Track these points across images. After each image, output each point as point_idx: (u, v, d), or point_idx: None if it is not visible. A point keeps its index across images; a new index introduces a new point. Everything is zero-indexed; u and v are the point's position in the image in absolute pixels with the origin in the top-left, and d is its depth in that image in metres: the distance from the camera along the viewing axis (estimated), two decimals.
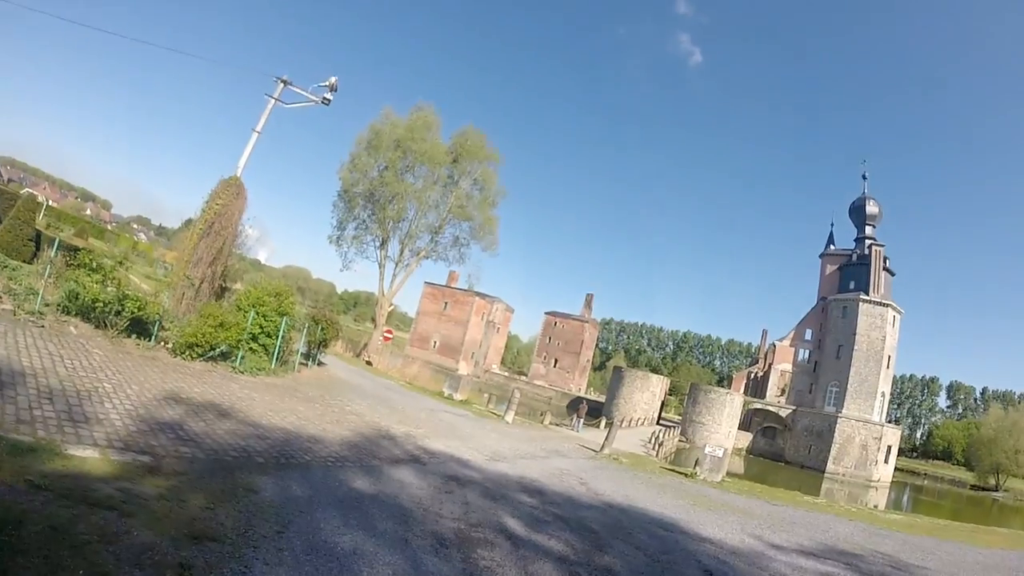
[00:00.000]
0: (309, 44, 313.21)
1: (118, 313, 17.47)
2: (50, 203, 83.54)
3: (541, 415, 39.63)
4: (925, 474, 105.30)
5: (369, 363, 42.37)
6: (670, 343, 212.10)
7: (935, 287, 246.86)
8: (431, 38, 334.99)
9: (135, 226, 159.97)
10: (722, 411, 75.51)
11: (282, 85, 24.96)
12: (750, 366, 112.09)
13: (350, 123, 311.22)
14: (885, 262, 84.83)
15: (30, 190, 72.65)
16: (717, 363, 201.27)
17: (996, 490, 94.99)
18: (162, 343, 18.58)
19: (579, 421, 38.23)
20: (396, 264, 50.18)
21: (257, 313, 21.54)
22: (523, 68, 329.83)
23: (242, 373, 18.87)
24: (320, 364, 28.01)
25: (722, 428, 75.08)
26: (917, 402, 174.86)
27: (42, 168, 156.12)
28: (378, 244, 49.85)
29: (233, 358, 19.44)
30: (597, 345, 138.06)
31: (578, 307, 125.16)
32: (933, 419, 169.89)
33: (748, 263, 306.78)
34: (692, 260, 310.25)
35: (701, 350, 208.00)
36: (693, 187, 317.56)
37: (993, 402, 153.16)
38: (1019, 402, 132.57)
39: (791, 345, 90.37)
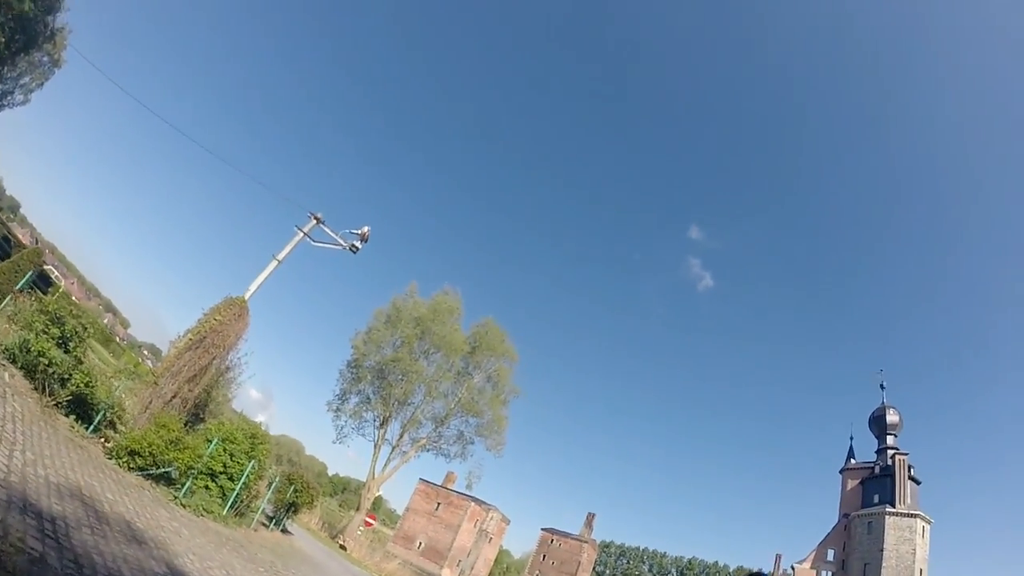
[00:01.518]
0: (344, 193, 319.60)
1: (63, 381, 14.71)
2: (73, 298, 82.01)
3: None
4: None
5: (343, 547, 38.04)
6: (673, 570, 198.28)
7: (960, 494, 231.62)
8: (466, 229, 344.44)
9: (145, 352, 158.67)
10: None
11: (314, 222, 23.74)
12: None
13: (369, 285, 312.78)
14: (910, 471, 79.94)
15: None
16: None
17: None
18: (102, 439, 15.79)
19: None
20: (393, 449, 47.86)
21: (224, 449, 18.43)
22: (534, 285, 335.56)
23: (183, 506, 15.90)
24: (284, 531, 24.29)
25: None
26: None
27: (77, 266, 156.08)
28: (378, 423, 47.65)
29: (178, 486, 16.14)
30: (594, 569, 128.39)
31: (577, 526, 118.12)
32: None
33: (761, 484, 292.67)
34: (702, 481, 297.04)
35: None
36: (702, 404, 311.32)
37: None
38: None
39: (812, 567, 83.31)
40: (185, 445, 16.31)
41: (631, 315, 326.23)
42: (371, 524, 45.07)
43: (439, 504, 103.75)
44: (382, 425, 46.76)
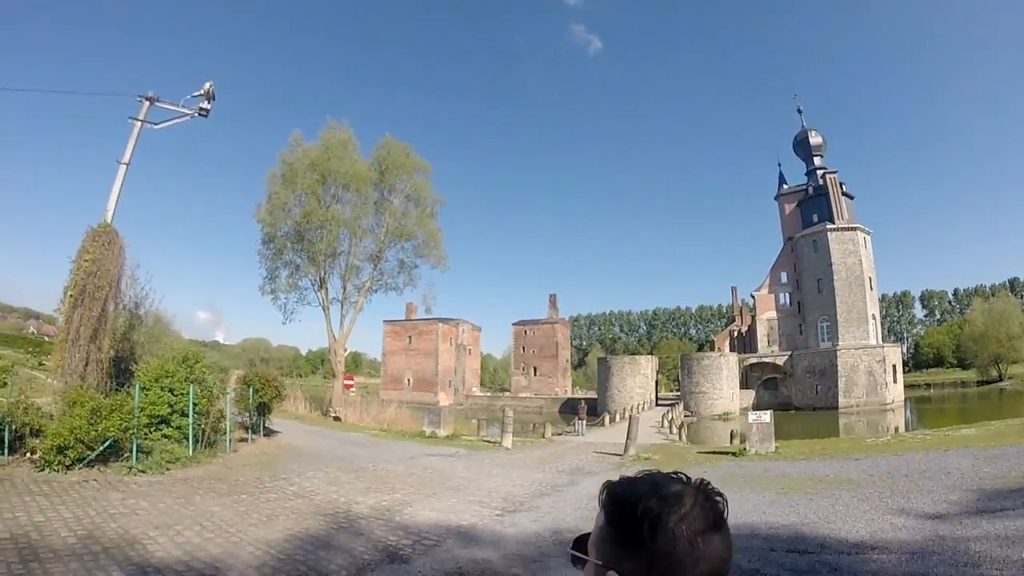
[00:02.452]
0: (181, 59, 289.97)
1: None
2: None
3: (536, 428, 35.25)
4: (928, 384, 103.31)
5: (337, 418, 37.04)
6: (642, 324, 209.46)
7: (888, 201, 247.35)
8: (330, 55, 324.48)
9: None
10: (720, 375, 72.61)
11: (148, 104, 19.84)
12: (728, 325, 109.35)
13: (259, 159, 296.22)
14: (842, 187, 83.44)
15: None
16: (693, 332, 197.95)
17: (1001, 380, 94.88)
18: (28, 452, 13.54)
19: (582, 423, 34.24)
20: (343, 304, 44.63)
21: (162, 388, 16.44)
22: (431, 82, 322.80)
23: (141, 472, 13.70)
24: (269, 434, 22.86)
25: (724, 392, 72.43)
26: (895, 319, 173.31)
27: None
28: (317, 286, 44.32)
29: (127, 455, 14.28)
30: (572, 344, 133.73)
31: (543, 311, 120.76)
32: (914, 331, 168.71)
33: (702, 227, 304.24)
34: (645, 237, 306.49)
35: (674, 323, 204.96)
36: (628, 165, 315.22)
37: (969, 299, 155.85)
38: (992, 295, 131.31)
39: (769, 292, 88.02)
40: (106, 409, 14.23)
41: (529, 103, 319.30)
42: (351, 385, 43.88)
43: (410, 337, 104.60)
44: (321, 286, 43.95)
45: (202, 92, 20.15)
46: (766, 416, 21.70)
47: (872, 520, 9.80)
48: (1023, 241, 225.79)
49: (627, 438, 22.41)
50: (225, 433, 18.53)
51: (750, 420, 21.57)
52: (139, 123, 19.68)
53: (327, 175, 42.93)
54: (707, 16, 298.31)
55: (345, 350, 45.21)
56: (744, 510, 11.05)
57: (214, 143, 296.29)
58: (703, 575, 1.07)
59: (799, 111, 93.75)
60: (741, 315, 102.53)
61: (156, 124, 20.24)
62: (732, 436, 27.81)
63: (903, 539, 8.57)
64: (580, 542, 1.27)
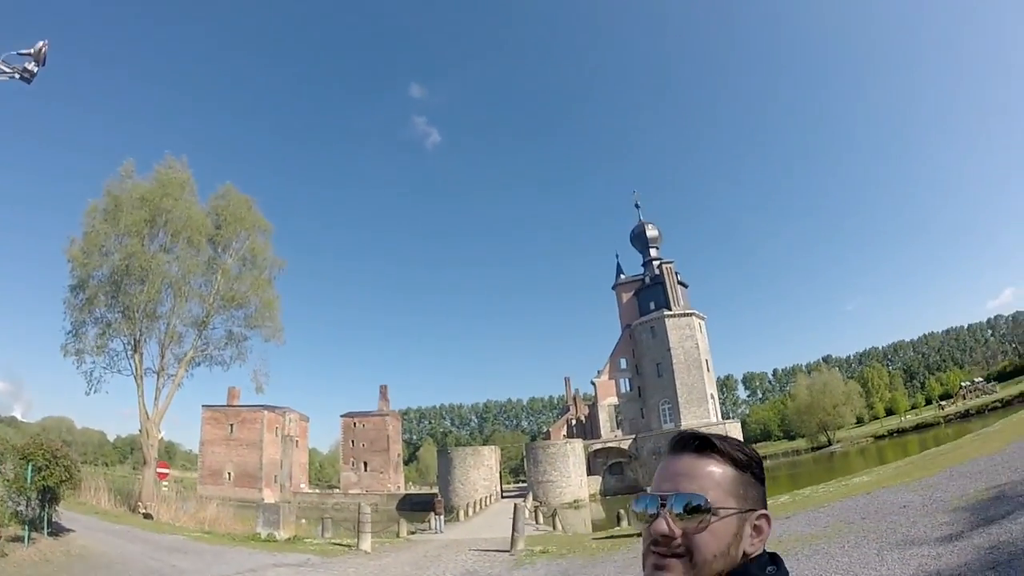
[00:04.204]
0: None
1: None
2: None
3: (385, 528, 31.04)
4: (765, 456, 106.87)
5: (148, 515, 30.38)
6: (473, 417, 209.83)
7: (712, 288, 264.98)
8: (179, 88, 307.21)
9: None
10: (567, 461, 70.79)
11: None
12: (562, 415, 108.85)
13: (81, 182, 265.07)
14: (677, 276, 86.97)
15: None
16: (524, 423, 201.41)
17: (830, 444, 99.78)
18: None
19: (439, 519, 31.53)
20: (159, 376, 37.48)
21: None
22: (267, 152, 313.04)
23: None
24: (56, 533, 17.18)
25: (573, 479, 70.62)
26: (721, 400, 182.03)
27: None
28: (130, 350, 37.06)
29: None
30: (402, 438, 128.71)
31: (373, 404, 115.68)
32: (739, 410, 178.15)
33: (533, 319, 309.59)
34: (476, 330, 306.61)
35: (505, 416, 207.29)
36: (460, 257, 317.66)
37: (787, 378, 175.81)
38: (808, 372, 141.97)
39: (610, 378, 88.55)
40: None
41: (369, 185, 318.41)
42: (165, 475, 36.01)
43: (232, 426, 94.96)
44: (135, 351, 36.66)
45: (31, 51, 15.14)
46: None
47: (903, 558, 8.73)
48: (832, 323, 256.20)
49: (513, 531, 18.92)
50: None
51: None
52: None
53: (158, 215, 36.70)
54: (546, 111, 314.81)
55: (160, 433, 38.05)
56: None
57: (32, 139, 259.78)
58: None
59: (636, 205, 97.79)
60: (576, 404, 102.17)
61: None
62: (619, 518, 25.68)
63: (958, 562, 7.94)
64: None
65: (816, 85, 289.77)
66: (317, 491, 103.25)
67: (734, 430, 78.10)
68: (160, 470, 33.67)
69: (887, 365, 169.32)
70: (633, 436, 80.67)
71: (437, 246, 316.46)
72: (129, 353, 37.13)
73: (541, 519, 36.64)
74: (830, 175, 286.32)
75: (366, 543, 19.46)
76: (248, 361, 41.23)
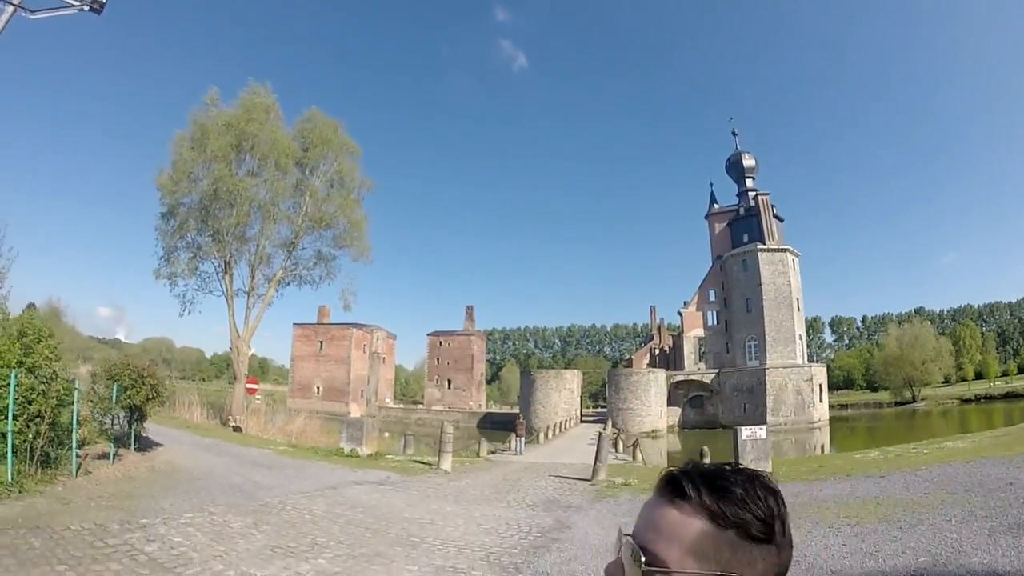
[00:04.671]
0: None
1: None
2: None
3: (467, 446, 31.24)
4: (844, 405, 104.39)
5: (237, 428, 31.46)
6: (557, 340, 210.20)
7: (806, 227, 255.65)
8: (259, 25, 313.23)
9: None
10: (648, 391, 69.94)
11: None
12: (643, 344, 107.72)
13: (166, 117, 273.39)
14: (773, 209, 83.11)
15: None
16: (607, 350, 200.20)
17: (914, 401, 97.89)
18: None
19: (520, 441, 30.70)
20: (249, 295, 38.50)
21: None
22: (360, 88, 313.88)
23: None
24: (145, 448, 17.66)
25: (653, 409, 69.86)
26: (807, 342, 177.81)
27: None
28: (221, 272, 38.10)
29: None
30: (486, 358, 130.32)
31: (459, 323, 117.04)
32: (823, 355, 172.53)
33: (620, 247, 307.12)
34: (563, 254, 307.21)
35: (588, 341, 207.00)
36: (552, 182, 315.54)
37: (876, 326, 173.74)
38: (899, 323, 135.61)
39: (697, 309, 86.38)
40: None
41: (453, 114, 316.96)
42: (255, 390, 37.27)
43: (322, 343, 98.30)
44: (226, 272, 38.08)
45: None
46: (761, 432, 18.40)
47: (1019, 545, 7.66)
48: (927, 275, 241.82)
49: (596, 460, 18.54)
50: (71, 447, 13.35)
51: (744, 437, 18.14)
52: (10, 8, 14.15)
53: (244, 140, 36.95)
54: (641, 35, 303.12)
55: (250, 350, 39.16)
56: (835, 552, 8.16)
57: (112, 71, 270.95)
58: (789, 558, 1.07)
59: (733, 133, 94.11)
60: (660, 334, 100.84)
61: (32, 12, 14.58)
62: (702, 454, 24.45)
63: None
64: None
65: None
66: (401, 406, 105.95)
67: (820, 374, 76.42)
68: (249, 386, 34.85)
69: (981, 325, 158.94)
70: (716, 371, 79.40)
71: (524, 171, 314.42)
72: (220, 275, 38.29)
73: (621, 448, 36.37)
74: (937, 118, 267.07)
75: (447, 463, 19.40)
76: (336, 280, 42.04)
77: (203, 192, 36.59)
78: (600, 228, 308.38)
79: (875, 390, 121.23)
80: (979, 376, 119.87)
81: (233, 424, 32.60)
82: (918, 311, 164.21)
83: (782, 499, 1.09)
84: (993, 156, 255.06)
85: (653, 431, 65.96)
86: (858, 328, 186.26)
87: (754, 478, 1.10)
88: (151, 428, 20.11)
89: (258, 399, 40.03)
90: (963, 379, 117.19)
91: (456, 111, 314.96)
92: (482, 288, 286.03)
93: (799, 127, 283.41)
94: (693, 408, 79.09)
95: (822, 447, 55.50)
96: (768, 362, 74.66)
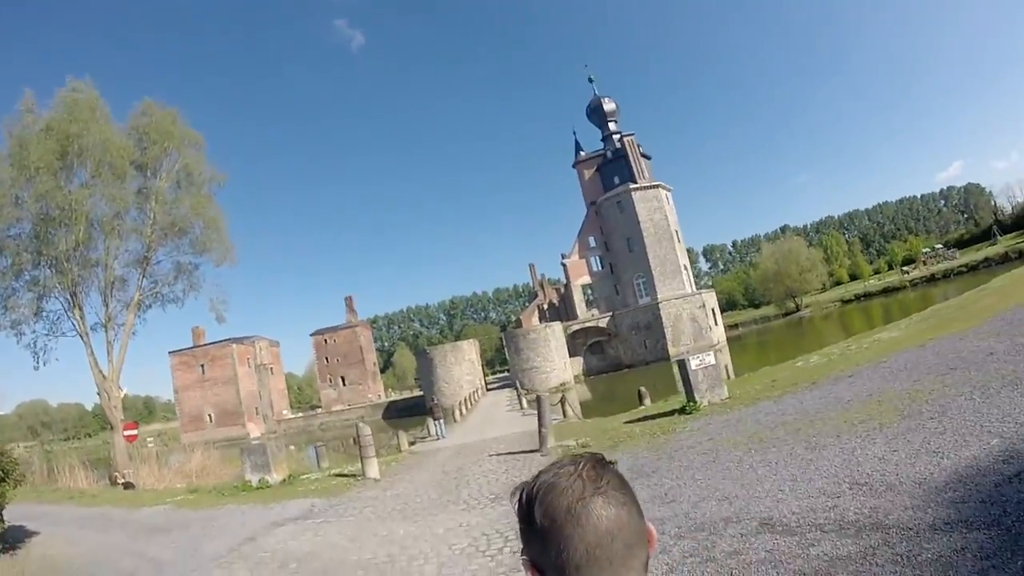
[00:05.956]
0: None
1: None
2: None
3: (380, 443, 28.96)
4: (735, 325, 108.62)
5: (128, 485, 27.65)
6: (441, 315, 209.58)
7: (673, 165, 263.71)
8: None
9: None
10: (548, 346, 70.07)
11: None
12: (529, 303, 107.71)
13: None
14: (639, 148, 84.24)
15: None
16: (493, 315, 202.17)
17: (798, 310, 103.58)
18: None
19: (440, 424, 28.98)
20: (107, 328, 33.26)
21: None
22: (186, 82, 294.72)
23: None
24: (12, 544, 14.38)
25: (556, 363, 70.17)
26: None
27: None
28: (69, 306, 33.07)
29: None
30: (375, 347, 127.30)
31: (340, 318, 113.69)
32: (701, 282, 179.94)
33: (491, 211, 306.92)
34: (435, 230, 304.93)
35: (472, 310, 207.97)
36: (405, 154, 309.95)
37: (746, 249, 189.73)
38: (767, 241, 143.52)
39: (580, 258, 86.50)
40: None
41: (306, 104, 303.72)
42: (134, 436, 32.22)
43: (203, 366, 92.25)
44: (74, 306, 32.85)
45: None
46: (710, 357, 16.97)
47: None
48: (785, 196, 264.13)
49: (540, 426, 16.67)
50: None
51: (693, 366, 16.47)
52: None
53: (68, 144, 31.83)
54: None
55: (121, 391, 34.64)
56: (891, 461, 7.16)
57: None
58: (589, 540, 1.07)
59: (590, 80, 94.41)
60: (544, 289, 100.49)
61: None
62: (640, 396, 24.02)
63: None
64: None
65: None
66: (301, 415, 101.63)
67: (710, 299, 79.30)
68: (127, 432, 30.32)
69: (843, 233, 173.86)
70: (610, 313, 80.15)
71: (382, 150, 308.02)
72: (69, 310, 33.28)
73: (562, 407, 35.18)
74: (775, 42, 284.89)
75: (373, 469, 17.12)
76: (203, 292, 37.76)
77: (33, 215, 31.82)
78: (469, 195, 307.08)
79: (757, 307, 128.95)
80: (853, 278, 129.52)
81: (122, 481, 28.77)
82: (783, 229, 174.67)
83: (553, 482, 1.14)
84: (835, 79, 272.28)
85: (561, 385, 65.56)
86: (730, 253, 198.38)
87: (543, 470, 1.20)
88: (23, 511, 16.98)
89: (150, 442, 35.41)
90: (838, 283, 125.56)
91: (302, 101, 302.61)
92: (358, 278, 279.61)
93: (652, 69, 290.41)
94: (594, 355, 79.89)
95: (725, 368, 55.65)
96: (659, 296, 75.98)
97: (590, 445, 15.47)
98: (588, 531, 1.06)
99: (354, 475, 17.74)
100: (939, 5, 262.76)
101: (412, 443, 27.55)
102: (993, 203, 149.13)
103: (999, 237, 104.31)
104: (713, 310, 77.36)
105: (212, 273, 38.84)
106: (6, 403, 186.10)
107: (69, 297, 32.95)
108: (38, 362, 33.36)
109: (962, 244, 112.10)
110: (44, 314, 33.46)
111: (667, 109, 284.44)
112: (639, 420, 17.16)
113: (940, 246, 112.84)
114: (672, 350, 71.18)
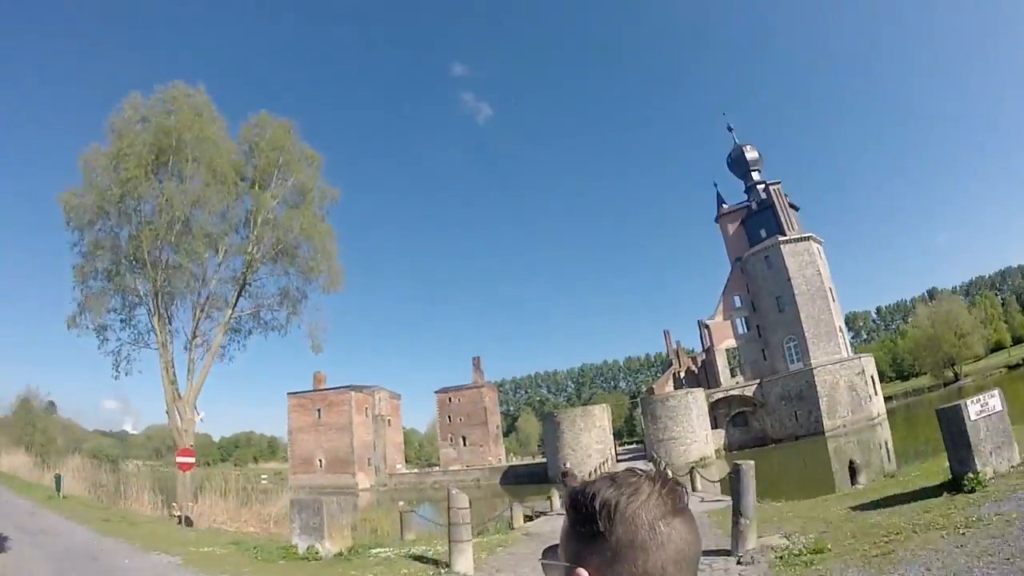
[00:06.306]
0: None
1: None
2: None
3: (493, 513, 22.82)
4: (889, 397, 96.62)
5: (186, 520, 22.55)
6: (569, 382, 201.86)
7: (832, 213, 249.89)
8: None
9: None
10: (689, 415, 62.31)
11: None
12: (662, 373, 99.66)
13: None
14: (786, 198, 76.53)
15: None
16: (622, 384, 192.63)
17: (957, 379, 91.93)
18: None
19: None
20: (191, 346, 29.60)
21: None
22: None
23: None
24: None
25: (697, 434, 62.26)
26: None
27: None
28: (151, 310, 29.37)
29: None
30: (499, 410, 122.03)
31: (467, 377, 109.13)
32: None
33: (637, 278, 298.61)
34: (565, 294, 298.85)
35: (602, 378, 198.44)
36: (543, 221, 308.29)
37: (891, 316, 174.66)
38: (913, 307, 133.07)
39: (724, 319, 77.98)
40: None
41: (439, 172, 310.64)
42: (189, 464, 26.36)
43: (319, 411, 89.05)
44: (156, 311, 29.09)
45: None
46: (995, 400, 10.01)
47: None
48: (926, 258, 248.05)
49: (738, 516, 10.01)
50: None
51: (972, 414, 9.85)
52: None
53: (167, 141, 28.54)
54: (596, 52, 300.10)
55: (198, 415, 29.76)
56: None
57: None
58: (668, 559, 1.06)
59: (729, 128, 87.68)
60: (678, 357, 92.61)
61: None
62: (855, 471, 19.12)
63: None
64: (550, 550, 1.24)
65: None
66: (416, 470, 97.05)
67: (870, 365, 69.11)
68: (181, 459, 25.06)
69: (996, 294, 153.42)
70: (757, 381, 71.55)
71: (514, 212, 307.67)
72: (150, 315, 29.39)
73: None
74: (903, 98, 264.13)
75: (465, 560, 10.96)
76: (303, 316, 33.32)
77: (120, 208, 28.34)
78: (603, 262, 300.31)
79: (905, 378, 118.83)
80: (1017, 341, 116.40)
81: (178, 513, 23.68)
82: (930, 292, 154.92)
83: (634, 495, 1.10)
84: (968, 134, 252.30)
85: (702, 459, 57.57)
86: (874, 321, 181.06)
87: (616, 477, 1.16)
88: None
89: (264, 478, 30.30)
90: (997, 347, 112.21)
91: (436, 169, 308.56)
92: (486, 339, 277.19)
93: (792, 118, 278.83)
94: (737, 427, 71.81)
95: (885, 445, 48.67)
96: (813, 361, 67.06)
97: (827, 551, 8.57)
98: (670, 549, 1.05)
99: (437, 562, 11.58)
100: None
101: (530, 517, 21.31)
102: None
103: None
104: (872, 378, 67.45)
105: (314, 300, 34.22)
106: (141, 423, 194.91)
107: (151, 299, 29.00)
108: (117, 371, 29.64)
109: None
110: (133, 323, 29.99)
111: (808, 161, 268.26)
112: (874, 504, 10.87)
113: None
114: (828, 423, 62.85)
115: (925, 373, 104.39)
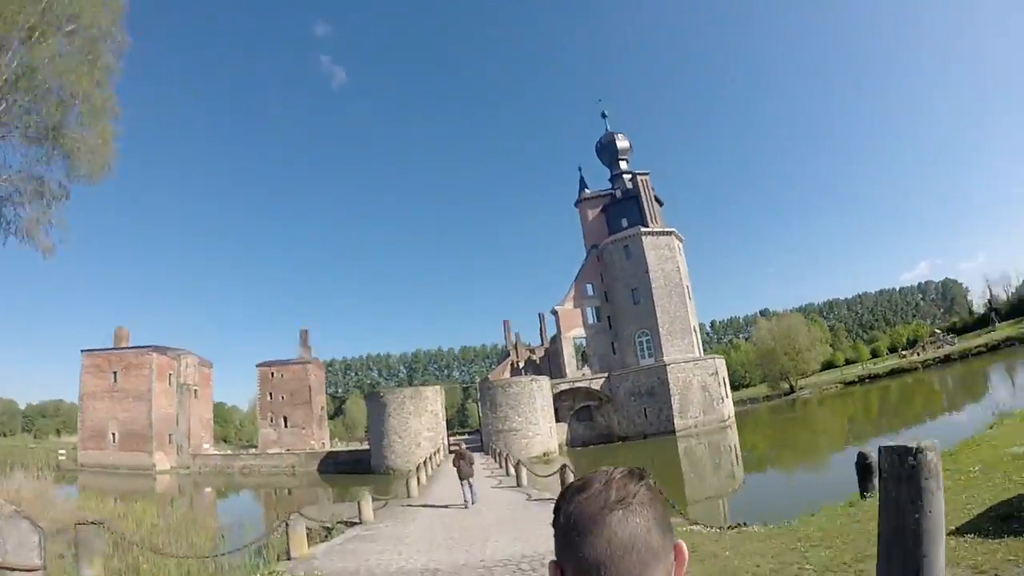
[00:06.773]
0: None
1: None
2: None
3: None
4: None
5: None
6: (402, 367, 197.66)
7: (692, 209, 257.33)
8: None
9: None
10: (533, 405, 57.20)
11: None
12: (498, 363, 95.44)
13: None
14: (652, 191, 73.88)
15: None
16: (456, 374, 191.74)
17: (792, 391, 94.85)
18: None
19: (470, 488, 18.98)
20: None
21: None
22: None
23: None
24: None
25: (541, 426, 57.01)
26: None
27: None
28: None
29: None
30: (327, 391, 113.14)
31: (293, 352, 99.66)
32: None
33: (461, 261, 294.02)
34: (402, 275, 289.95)
35: (436, 366, 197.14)
36: (383, 195, 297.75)
37: (724, 330, 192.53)
38: (747, 325, 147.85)
39: (575, 307, 73.38)
40: None
41: (287, 139, 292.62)
42: None
43: (116, 373, 76.07)
44: None
45: None
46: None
47: None
48: (756, 284, 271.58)
49: None
50: None
51: None
52: None
53: None
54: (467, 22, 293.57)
55: None
56: None
57: None
58: (600, 555, 1.10)
59: (603, 115, 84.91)
60: (516, 350, 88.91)
61: None
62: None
63: None
64: None
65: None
66: (228, 451, 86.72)
67: (722, 367, 68.04)
68: None
69: (822, 320, 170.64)
70: (606, 374, 67.51)
71: (360, 183, 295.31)
72: None
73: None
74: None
75: None
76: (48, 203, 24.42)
77: None
78: (449, 243, 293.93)
79: (737, 388, 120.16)
80: (849, 362, 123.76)
81: None
82: (763, 312, 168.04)
83: (581, 491, 1.18)
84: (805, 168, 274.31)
85: (545, 454, 53.08)
86: (708, 333, 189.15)
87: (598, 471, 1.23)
88: None
89: (62, 454, 21.80)
90: (829, 366, 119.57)
91: (284, 135, 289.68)
92: (317, 313, 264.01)
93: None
94: (581, 422, 66.91)
95: (733, 448, 48.19)
96: (665, 358, 64.24)
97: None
98: (602, 542, 1.09)
99: None
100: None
101: (328, 532, 14.73)
102: (969, 298, 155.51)
103: (997, 324, 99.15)
104: (724, 380, 66.23)
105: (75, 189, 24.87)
106: None
107: None
108: None
109: (955, 331, 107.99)
110: None
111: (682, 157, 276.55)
112: None
113: (939, 332, 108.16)
114: (679, 422, 60.11)
115: (755, 384, 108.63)
